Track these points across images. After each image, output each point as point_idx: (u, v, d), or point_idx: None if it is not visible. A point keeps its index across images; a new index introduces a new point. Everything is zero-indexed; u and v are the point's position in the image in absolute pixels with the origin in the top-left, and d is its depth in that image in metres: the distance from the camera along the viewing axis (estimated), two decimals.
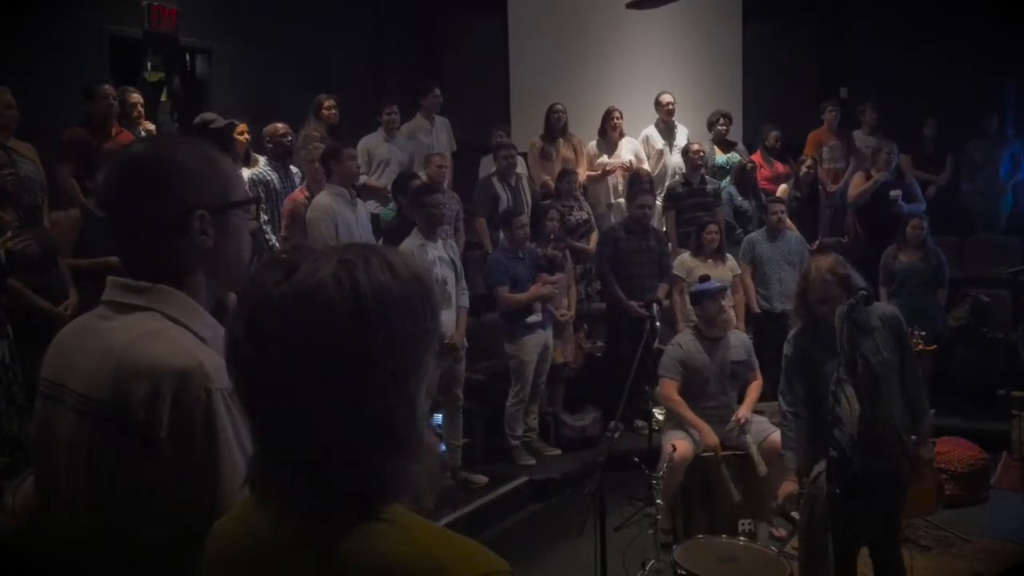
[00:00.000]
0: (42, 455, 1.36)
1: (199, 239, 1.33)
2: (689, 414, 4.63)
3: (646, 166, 7.33)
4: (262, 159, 5.95)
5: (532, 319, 5.60)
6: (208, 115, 5.56)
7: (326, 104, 6.39)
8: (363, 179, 6.44)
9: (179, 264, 1.34)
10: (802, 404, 3.59)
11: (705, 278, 5.05)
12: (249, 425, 1.00)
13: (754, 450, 4.51)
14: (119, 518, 1.25)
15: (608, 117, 7.24)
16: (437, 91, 7.04)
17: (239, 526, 1.01)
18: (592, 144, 7.34)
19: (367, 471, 0.93)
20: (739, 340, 4.90)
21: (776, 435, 4.42)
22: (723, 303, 4.91)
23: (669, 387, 4.73)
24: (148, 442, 1.21)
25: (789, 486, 3.66)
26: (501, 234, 5.97)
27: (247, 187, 5.42)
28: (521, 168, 6.96)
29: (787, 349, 3.70)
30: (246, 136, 5.89)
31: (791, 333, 3.72)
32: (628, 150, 7.32)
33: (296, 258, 0.95)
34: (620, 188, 7.26)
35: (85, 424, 1.28)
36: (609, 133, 7.25)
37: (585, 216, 6.65)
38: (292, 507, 0.95)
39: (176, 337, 1.28)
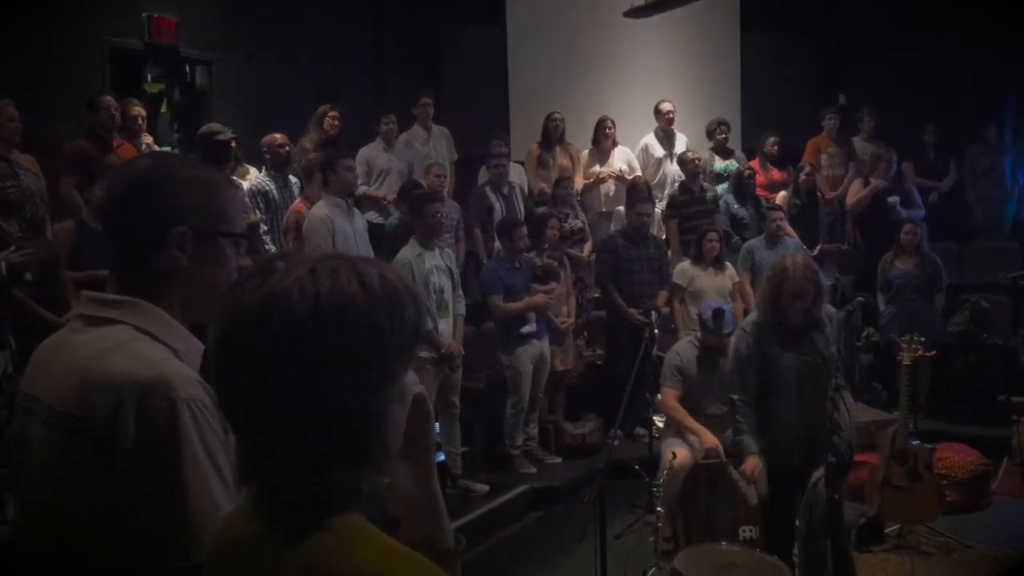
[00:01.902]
0: (20, 468, 1.36)
1: (175, 255, 1.33)
2: (689, 421, 4.63)
3: (639, 174, 7.35)
4: (253, 169, 5.96)
5: (527, 329, 5.60)
6: (215, 126, 5.55)
7: (330, 114, 6.42)
8: (363, 189, 6.46)
9: (153, 278, 1.33)
10: (753, 394, 3.72)
11: (719, 313, 4.74)
12: (231, 431, 1.02)
13: (734, 472, 4.47)
14: (91, 531, 1.24)
15: (601, 126, 7.28)
16: (427, 100, 7.09)
17: (230, 523, 1.05)
18: (584, 153, 7.38)
19: (323, 482, 0.94)
20: None
21: None
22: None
23: (669, 395, 4.74)
24: (113, 455, 1.20)
25: (753, 461, 3.77)
26: (497, 243, 5.98)
27: (246, 198, 5.43)
28: (515, 177, 6.99)
29: (740, 341, 3.79)
30: (233, 144, 5.85)
31: (744, 325, 3.82)
32: (620, 159, 7.35)
33: (275, 266, 0.97)
34: (612, 196, 7.30)
35: (55, 437, 1.28)
36: (602, 142, 7.29)
37: (580, 224, 6.68)
38: (259, 510, 0.98)
39: (142, 349, 1.27)
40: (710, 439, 4.55)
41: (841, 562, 3.55)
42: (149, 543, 1.20)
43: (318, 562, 0.92)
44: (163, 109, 7.29)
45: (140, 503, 1.20)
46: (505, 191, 6.67)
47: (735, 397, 3.81)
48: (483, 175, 7.04)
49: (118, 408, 1.21)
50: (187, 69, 7.19)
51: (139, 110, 5.72)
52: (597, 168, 7.30)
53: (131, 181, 1.37)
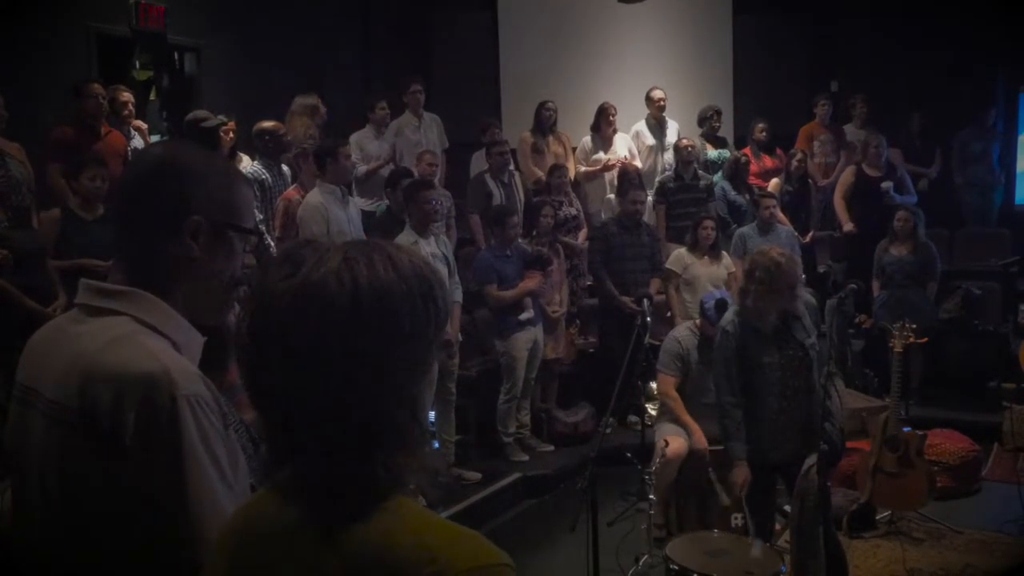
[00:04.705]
0: (14, 460, 1.34)
1: (188, 244, 1.31)
2: (684, 414, 4.62)
3: (638, 162, 7.33)
4: (246, 157, 5.91)
5: (524, 316, 5.59)
6: (200, 112, 5.49)
7: (311, 100, 6.37)
8: (363, 168, 6.44)
9: (161, 268, 1.31)
10: (740, 395, 3.70)
11: (722, 304, 4.62)
12: (259, 421, 1.01)
13: (712, 475, 4.46)
14: (91, 525, 1.23)
15: (604, 113, 7.22)
16: (416, 87, 7.02)
17: (250, 513, 1.04)
18: (586, 139, 7.32)
19: (367, 467, 0.94)
20: None
21: None
22: None
23: (667, 383, 4.72)
24: (114, 450, 1.18)
25: (742, 473, 3.75)
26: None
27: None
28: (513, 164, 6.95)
29: (724, 341, 3.75)
30: (232, 135, 5.82)
31: (727, 325, 3.77)
32: (622, 145, 7.32)
33: (303, 254, 0.96)
34: (614, 184, 7.26)
35: (55, 430, 1.25)
36: (604, 129, 7.24)
37: (574, 212, 6.65)
38: (297, 497, 0.97)
39: (144, 342, 1.24)
40: (700, 440, 4.53)
41: (830, 548, 3.56)
42: (150, 541, 1.19)
43: (382, 541, 0.92)
44: (152, 96, 7.22)
45: (140, 500, 1.18)
46: (505, 179, 6.63)
47: (724, 398, 3.78)
48: (476, 162, 7.00)
49: (119, 403, 1.18)
50: (175, 56, 7.11)
51: (127, 97, 5.66)
52: (601, 155, 7.23)
53: (147, 169, 1.37)
